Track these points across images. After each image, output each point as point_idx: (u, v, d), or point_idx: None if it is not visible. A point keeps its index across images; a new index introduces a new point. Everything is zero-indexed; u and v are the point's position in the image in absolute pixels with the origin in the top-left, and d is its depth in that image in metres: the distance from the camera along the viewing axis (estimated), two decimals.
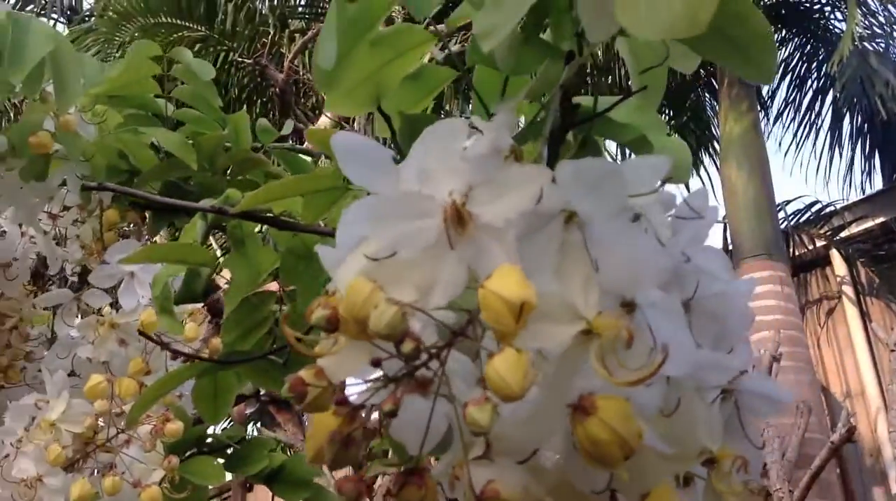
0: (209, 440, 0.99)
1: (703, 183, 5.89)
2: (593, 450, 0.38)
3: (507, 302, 0.35)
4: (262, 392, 3.24)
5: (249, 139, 1.15)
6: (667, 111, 5.74)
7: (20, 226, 1.10)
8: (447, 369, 0.40)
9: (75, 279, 1.12)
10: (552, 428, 0.41)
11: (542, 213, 0.40)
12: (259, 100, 5.98)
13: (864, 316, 5.20)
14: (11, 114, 1.03)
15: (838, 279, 5.40)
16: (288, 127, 1.14)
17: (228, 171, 1.13)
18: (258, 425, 3.79)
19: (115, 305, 0.94)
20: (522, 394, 0.35)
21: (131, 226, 1.13)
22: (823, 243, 5.39)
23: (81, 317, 1.01)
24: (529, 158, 0.46)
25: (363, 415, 0.40)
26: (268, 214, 0.72)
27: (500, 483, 0.38)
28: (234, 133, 1.13)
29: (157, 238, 0.99)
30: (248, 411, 4.13)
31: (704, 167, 6.20)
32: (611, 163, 0.41)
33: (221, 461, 0.99)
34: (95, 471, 0.86)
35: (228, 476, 1.04)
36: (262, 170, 1.12)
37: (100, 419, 0.85)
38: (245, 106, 5.75)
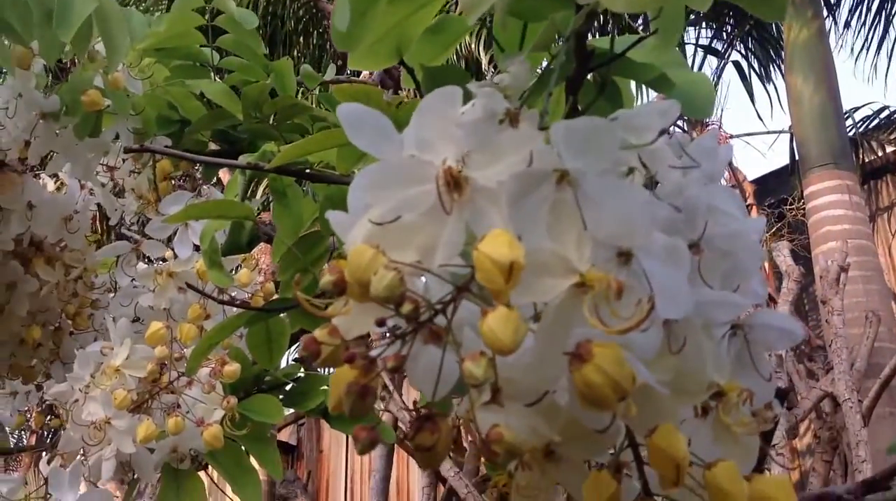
0: (268, 378, 1.04)
1: (769, 94, 5.76)
2: (589, 394, 0.41)
3: (498, 264, 0.38)
4: None
5: (294, 84, 1.18)
6: (729, 21, 5.60)
7: (79, 180, 1.15)
8: (461, 318, 0.43)
9: (136, 228, 1.16)
10: (557, 374, 0.43)
11: (535, 174, 0.42)
12: (315, 32, 5.99)
13: None
14: (60, 74, 1.06)
15: None
16: (330, 72, 1.17)
17: (275, 117, 1.16)
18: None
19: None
20: (514, 348, 0.38)
21: (185, 176, 1.17)
22: (893, 149, 5.27)
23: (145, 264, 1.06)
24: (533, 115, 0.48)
25: (378, 367, 0.43)
26: (302, 166, 0.75)
27: (505, 428, 0.41)
28: (278, 79, 1.16)
29: (206, 188, 1.02)
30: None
31: (771, 78, 6.06)
32: (602, 120, 0.43)
33: (280, 398, 1.04)
34: (160, 412, 0.92)
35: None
36: (308, 114, 1.15)
37: (162, 363, 0.90)
38: (301, 37, 5.76)
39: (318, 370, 1.07)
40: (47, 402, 1.14)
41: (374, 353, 0.42)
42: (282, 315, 0.81)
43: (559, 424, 0.48)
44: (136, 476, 0.91)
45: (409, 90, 0.74)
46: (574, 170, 0.42)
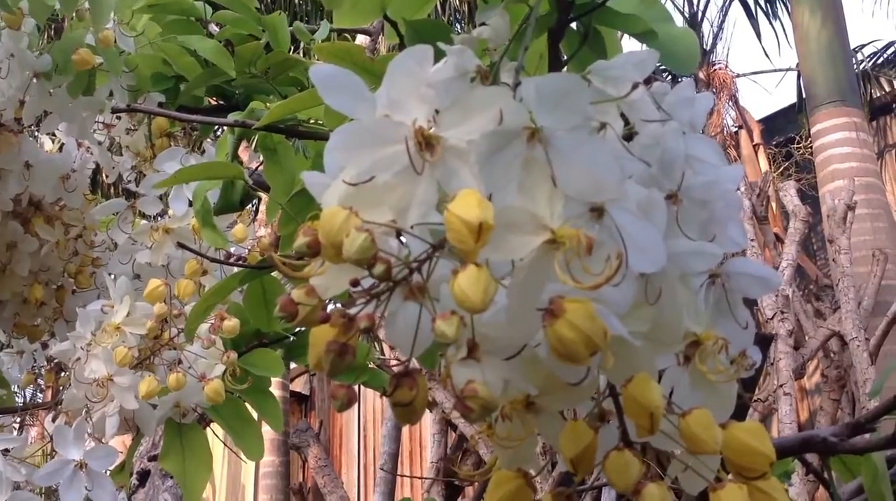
0: (269, 333, 1.05)
1: (775, 32, 5.69)
2: (561, 349, 0.41)
3: (467, 224, 0.38)
4: None
5: (287, 39, 1.17)
6: None
7: (76, 138, 1.15)
8: (439, 276, 0.43)
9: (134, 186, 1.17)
10: (532, 330, 0.44)
11: (505, 132, 0.42)
12: None
13: None
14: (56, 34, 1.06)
15: None
16: (324, 29, 1.16)
17: (269, 71, 1.16)
18: None
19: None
20: (484, 307, 0.39)
21: (185, 131, 1.18)
22: None
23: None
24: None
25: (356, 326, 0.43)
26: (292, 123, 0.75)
27: (479, 384, 0.42)
28: (272, 34, 1.16)
29: (209, 143, 1.03)
30: None
31: (777, 15, 5.99)
32: (572, 76, 0.43)
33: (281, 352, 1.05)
34: (163, 368, 0.93)
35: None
36: (302, 67, 1.15)
37: (161, 320, 0.91)
38: None
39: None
40: (56, 361, 1.15)
41: (351, 312, 0.43)
42: (275, 274, 0.82)
43: (540, 376, 0.49)
44: (139, 432, 0.92)
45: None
46: (545, 127, 0.42)
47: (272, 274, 0.82)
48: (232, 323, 0.92)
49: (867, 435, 0.66)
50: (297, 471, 5.37)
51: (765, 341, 0.62)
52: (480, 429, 0.53)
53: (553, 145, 0.42)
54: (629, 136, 0.52)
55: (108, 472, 0.89)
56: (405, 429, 4.65)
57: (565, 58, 0.69)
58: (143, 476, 2.66)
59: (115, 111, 0.98)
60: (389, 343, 0.47)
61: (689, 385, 0.51)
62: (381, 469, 3.29)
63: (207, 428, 1.07)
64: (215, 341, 0.92)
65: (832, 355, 3.86)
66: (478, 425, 0.53)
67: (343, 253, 0.39)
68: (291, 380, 5.35)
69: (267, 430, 4.95)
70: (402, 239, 0.45)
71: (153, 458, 2.58)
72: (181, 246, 0.71)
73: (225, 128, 0.82)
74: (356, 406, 5.81)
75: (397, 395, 0.43)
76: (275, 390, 3.70)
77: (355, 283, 0.41)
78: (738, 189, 0.56)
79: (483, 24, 0.61)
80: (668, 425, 0.49)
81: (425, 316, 0.43)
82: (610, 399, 0.50)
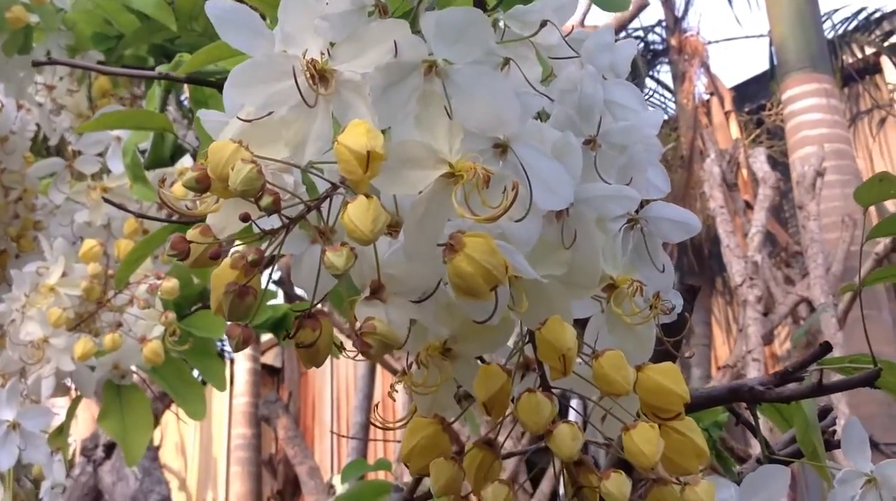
0: None
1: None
2: (461, 283, 0.41)
3: (355, 153, 0.37)
4: None
5: None
6: None
7: (16, 99, 1.13)
8: None
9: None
10: (435, 268, 0.43)
11: (402, 65, 0.41)
12: None
13: None
14: None
15: (889, 87, 5.26)
16: None
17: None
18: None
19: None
20: (373, 237, 0.38)
21: (133, 97, 1.15)
22: (873, 51, 5.23)
23: None
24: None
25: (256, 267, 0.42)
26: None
27: (378, 321, 0.41)
28: None
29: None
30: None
31: None
32: (474, 10, 0.42)
33: None
34: (107, 330, 0.92)
35: None
36: None
37: (96, 281, 0.90)
38: None
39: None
40: None
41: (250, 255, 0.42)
42: None
43: (456, 322, 0.48)
44: (78, 394, 0.91)
45: None
46: (443, 60, 0.41)
47: None
48: (171, 283, 0.90)
49: (797, 384, 0.65)
50: (270, 443, 5.37)
51: (691, 291, 0.62)
52: (398, 378, 0.52)
53: (451, 79, 0.41)
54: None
55: (45, 434, 0.88)
56: (377, 398, 4.65)
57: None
58: (109, 448, 2.64)
59: (35, 63, 0.96)
60: (297, 286, 0.46)
61: (607, 329, 0.51)
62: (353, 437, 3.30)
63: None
64: (151, 302, 0.90)
65: (801, 321, 3.88)
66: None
67: (229, 185, 0.38)
68: (263, 353, 5.34)
69: (239, 403, 4.96)
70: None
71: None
72: (109, 202, 0.69)
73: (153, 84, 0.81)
74: (328, 377, 5.81)
75: (300, 336, 0.43)
76: (245, 362, 3.69)
77: (246, 218, 0.39)
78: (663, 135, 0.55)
79: None
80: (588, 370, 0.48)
81: None
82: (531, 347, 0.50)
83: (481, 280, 0.40)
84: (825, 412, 0.73)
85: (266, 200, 0.38)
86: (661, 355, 0.53)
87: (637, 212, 0.52)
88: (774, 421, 0.77)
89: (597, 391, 0.48)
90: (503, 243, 0.42)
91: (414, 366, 0.49)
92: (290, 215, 0.41)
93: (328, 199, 0.42)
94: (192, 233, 0.41)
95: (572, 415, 0.50)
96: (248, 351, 4.61)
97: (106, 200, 0.64)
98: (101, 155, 0.97)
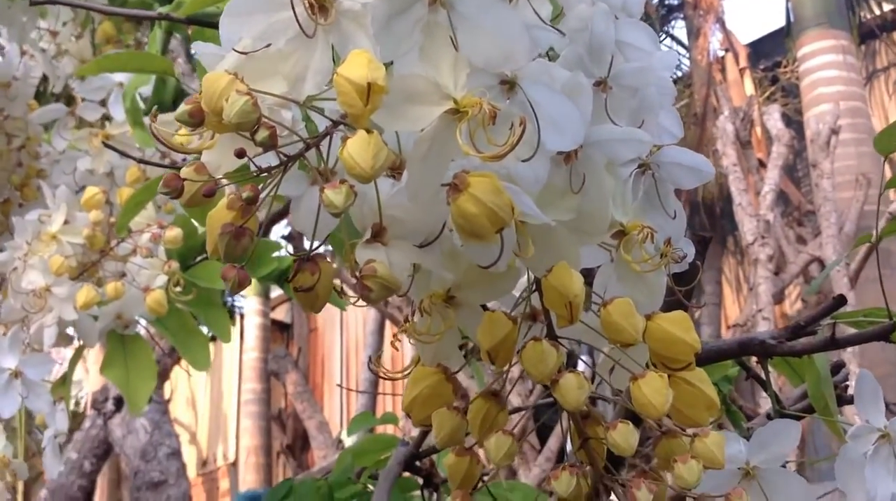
0: None
1: None
2: (465, 225, 0.39)
3: (355, 85, 0.36)
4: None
5: None
6: None
7: (19, 45, 1.11)
8: None
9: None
10: (438, 209, 0.42)
11: None
12: None
13: None
14: None
15: None
16: None
17: None
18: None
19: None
20: (374, 174, 0.36)
21: (133, 41, 1.13)
22: (891, 7, 5.15)
23: None
24: None
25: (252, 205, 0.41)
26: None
27: (378, 263, 0.40)
28: None
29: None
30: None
31: None
32: None
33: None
34: (112, 280, 0.91)
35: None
36: None
37: (99, 229, 0.88)
38: None
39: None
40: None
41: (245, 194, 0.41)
42: None
43: (460, 269, 0.46)
44: (81, 344, 0.90)
45: None
46: None
47: None
48: (174, 232, 0.89)
49: (809, 338, 0.64)
50: (280, 398, 5.39)
51: (703, 242, 0.60)
52: (402, 327, 0.51)
53: (457, 9, 0.40)
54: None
55: (48, 383, 0.87)
56: (385, 356, 4.66)
57: None
58: (120, 401, 2.65)
59: (33, 3, 0.94)
60: (295, 229, 0.44)
61: (616, 277, 0.49)
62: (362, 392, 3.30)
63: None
64: (154, 251, 0.89)
65: (812, 281, 3.86)
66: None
67: (223, 118, 0.36)
68: (273, 309, 5.35)
69: (249, 358, 4.98)
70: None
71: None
72: (111, 148, 0.68)
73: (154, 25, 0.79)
74: (338, 333, 5.83)
75: (299, 279, 0.41)
76: (255, 318, 3.70)
77: (241, 154, 0.38)
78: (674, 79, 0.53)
79: None
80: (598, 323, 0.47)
81: None
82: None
83: (486, 221, 0.39)
84: (837, 367, 0.72)
85: (262, 134, 0.36)
86: (670, 306, 0.51)
87: (648, 156, 0.50)
88: (785, 375, 0.76)
89: (605, 342, 0.47)
90: (509, 184, 0.41)
91: (417, 314, 0.48)
92: (288, 153, 0.39)
93: (328, 138, 0.40)
94: (186, 171, 0.40)
95: (581, 368, 0.49)
96: (257, 306, 4.62)
97: (107, 145, 0.63)
98: (103, 102, 0.95)
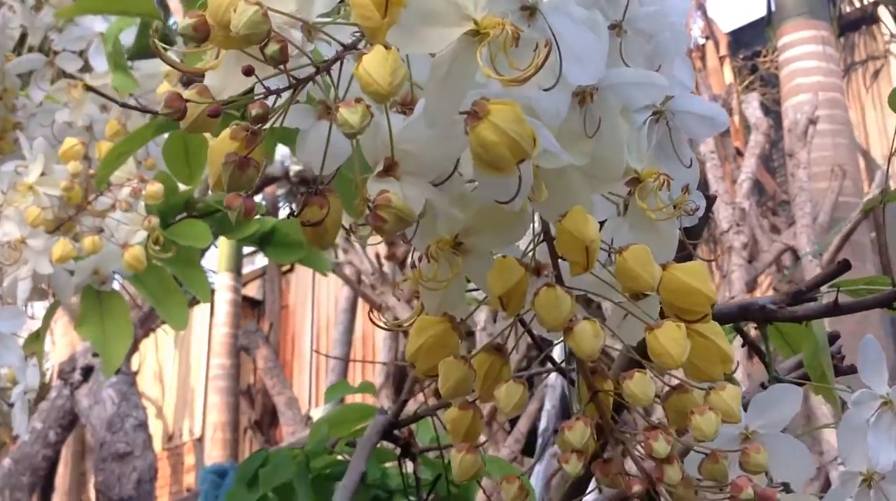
0: (199, 205, 1.00)
1: None
2: (484, 154, 0.37)
3: None
4: (292, 173, 3.26)
5: None
6: None
7: None
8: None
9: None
10: (455, 140, 0.40)
11: None
12: None
13: None
14: None
15: (885, 38, 5.21)
16: None
17: None
18: (290, 206, 3.83)
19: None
20: (391, 91, 0.34)
21: None
22: (872, 0, 5.17)
23: None
24: None
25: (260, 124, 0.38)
26: None
27: (393, 194, 0.38)
28: None
29: None
30: (279, 192, 4.19)
31: None
32: None
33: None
34: (89, 234, 0.88)
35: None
36: None
37: (77, 181, 0.86)
38: None
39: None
40: None
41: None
42: None
43: (469, 213, 0.44)
44: (56, 298, 0.88)
45: None
46: None
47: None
48: (155, 187, 0.86)
49: (809, 304, 0.63)
50: (249, 374, 5.36)
51: (709, 200, 0.58)
52: (406, 275, 0.49)
53: None
54: None
55: (21, 338, 0.85)
56: (358, 334, 4.64)
57: None
58: (87, 371, 2.61)
59: None
60: (301, 161, 0.42)
61: (629, 226, 0.48)
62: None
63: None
64: (133, 205, 0.87)
65: (785, 270, 3.87)
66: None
67: (231, 30, 0.34)
68: (244, 285, 5.30)
69: (218, 333, 4.94)
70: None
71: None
72: (93, 91, 0.65)
73: None
74: (309, 311, 5.79)
75: (307, 214, 0.39)
76: (227, 293, 3.66)
77: (249, 71, 0.36)
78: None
79: None
80: (608, 275, 0.45)
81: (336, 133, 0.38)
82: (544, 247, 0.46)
83: (506, 150, 0.36)
84: (833, 338, 0.71)
85: (272, 47, 0.34)
86: (680, 260, 0.49)
87: (662, 104, 0.49)
88: (777, 345, 0.75)
89: (615, 294, 0.45)
90: (530, 118, 0.39)
91: (423, 261, 0.45)
92: (297, 77, 0.37)
93: (339, 63, 0.38)
94: (189, 93, 0.37)
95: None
96: (229, 281, 4.57)
97: (89, 88, 0.60)
98: (82, 54, 0.92)
